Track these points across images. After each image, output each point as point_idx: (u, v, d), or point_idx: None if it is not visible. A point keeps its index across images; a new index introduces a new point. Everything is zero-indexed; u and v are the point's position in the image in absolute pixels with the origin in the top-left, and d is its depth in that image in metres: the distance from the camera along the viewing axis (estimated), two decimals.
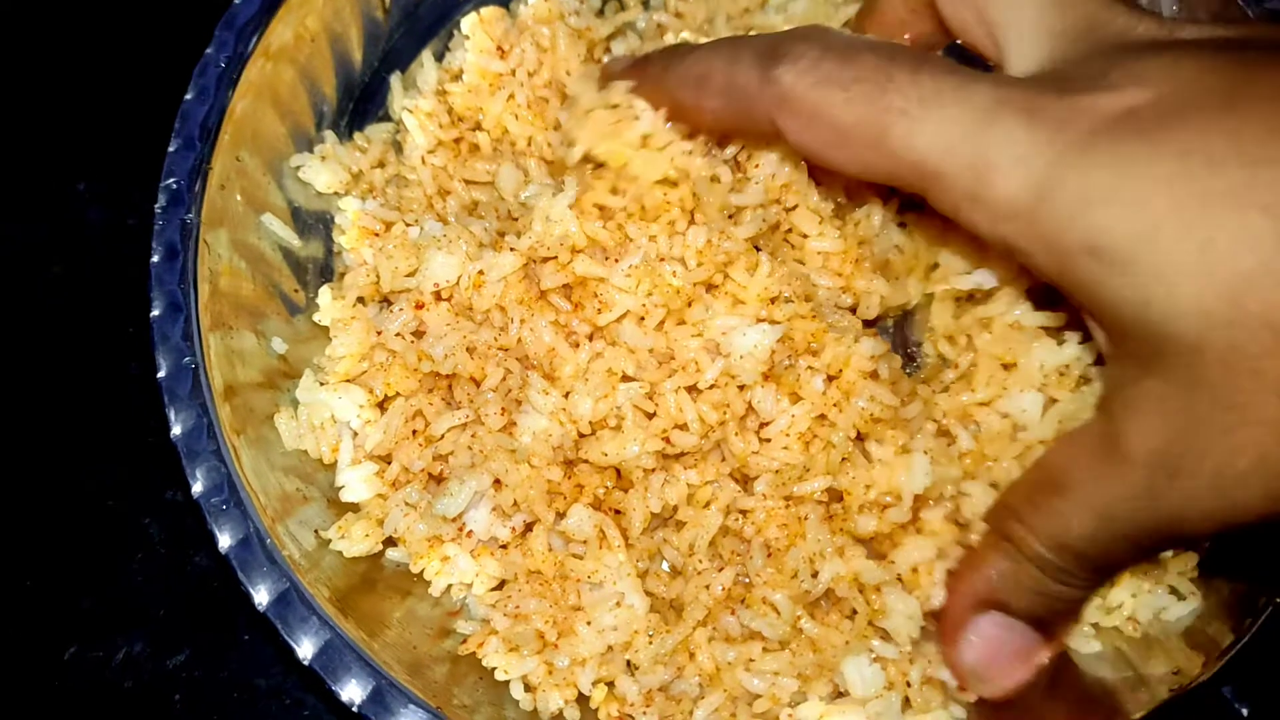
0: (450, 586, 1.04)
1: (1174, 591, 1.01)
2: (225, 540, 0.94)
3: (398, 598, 1.02)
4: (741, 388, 0.99)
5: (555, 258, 1.03)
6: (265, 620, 0.92)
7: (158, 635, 1.10)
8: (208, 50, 1.11)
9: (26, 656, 1.10)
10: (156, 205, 1.05)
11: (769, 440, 1.00)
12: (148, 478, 1.17)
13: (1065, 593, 0.86)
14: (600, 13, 1.31)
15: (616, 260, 1.00)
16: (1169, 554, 1.01)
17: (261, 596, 0.93)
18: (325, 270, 1.19)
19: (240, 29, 1.12)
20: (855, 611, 0.98)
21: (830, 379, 0.99)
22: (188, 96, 1.10)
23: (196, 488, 0.96)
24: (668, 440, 0.99)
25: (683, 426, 0.99)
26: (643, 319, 1.00)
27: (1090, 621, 1.02)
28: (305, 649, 0.91)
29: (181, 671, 1.09)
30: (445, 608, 1.04)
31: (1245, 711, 0.88)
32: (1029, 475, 0.92)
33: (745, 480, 1.02)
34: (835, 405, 0.98)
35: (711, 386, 0.99)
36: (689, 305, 1.00)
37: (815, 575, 0.97)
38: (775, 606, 0.96)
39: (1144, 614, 1.01)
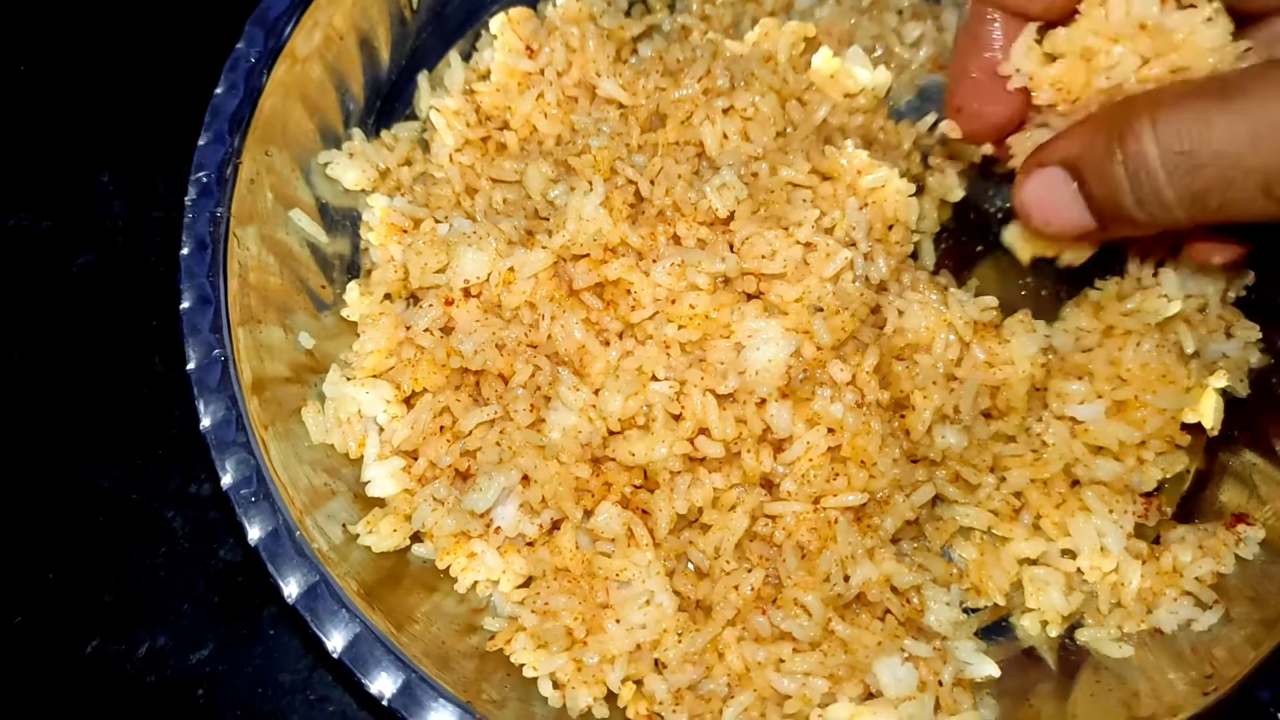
0: (476, 583, 1.04)
1: (1198, 602, 1.01)
2: (255, 532, 0.94)
3: (423, 593, 1.02)
4: (761, 402, 0.99)
5: (588, 256, 1.03)
6: (289, 616, 0.92)
7: (181, 630, 1.10)
8: (238, 45, 1.12)
9: (49, 650, 1.10)
10: (186, 198, 1.05)
11: (790, 465, 1.00)
12: (171, 471, 1.17)
13: (1126, 209, 0.92)
14: (627, 14, 1.31)
15: (654, 260, 1.00)
16: (1186, 559, 1.02)
17: (291, 589, 0.92)
18: (352, 267, 1.19)
19: (271, 24, 1.12)
20: (887, 612, 0.97)
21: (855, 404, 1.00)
22: (218, 90, 1.10)
23: (226, 479, 0.96)
24: (693, 445, 0.99)
25: (707, 431, 0.99)
26: (675, 324, 1.00)
27: (1119, 627, 1.03)
28: (335, 641, 0.91)
29: (205, 666, 1.08)
30: (471, 604, 1.04)
31: None
32: (1184, 86, 0.93)
33: (771, 485, 1.02)
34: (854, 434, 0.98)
35: (731, 397, 0.99)
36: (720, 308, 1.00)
37: (847, 579, 0.96)
38: (806, 608, 0.95)
39: (1169, 624, 1.01)
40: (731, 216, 1.05)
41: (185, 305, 1.02)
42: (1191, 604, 1.02)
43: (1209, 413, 1.08)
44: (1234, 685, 0.91)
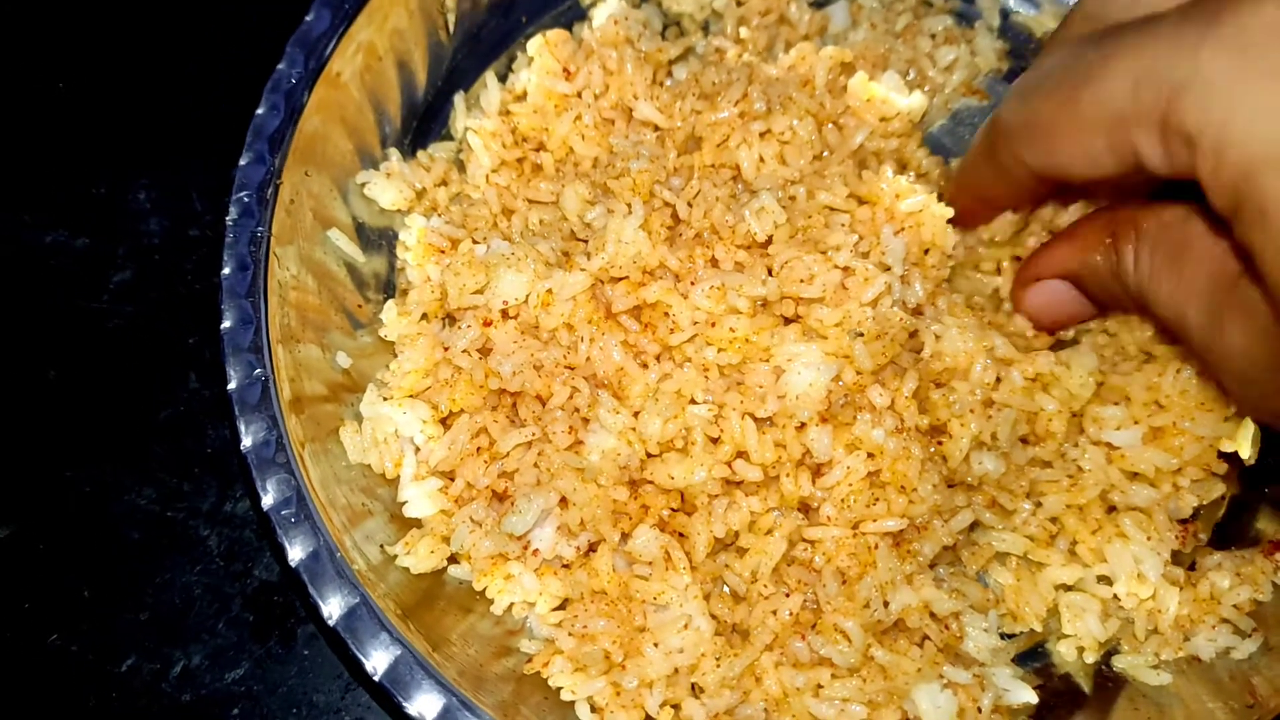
0: (512, 605, 1.04)
1: (1236, 630, 1.01)
2: (296, 553, 0.94)
3: (459, 614, 1.02)
4: (800, 426, 0.99)
5: (626, 278, 1.03)
6: (323, 636, 0.92)
7: (216, 648, 1.10)
8: (279, 66, 1.12)
9: (84, 668, 1.10)
10: (228, 218, 1.06)
11: (829, 489, 1.00)
12: (206, 489, 1.17)
13: (1127, 302, 1.00)
14: (662, 36, 1.32)
15: (692, 283, 1.01)
16: (1224, 586, 1.01)
17: (332, 609, 0.92)
18: (387, 286, 1.19)
19: (312, 45, 1.13)
20: (925, 638, 0.97)
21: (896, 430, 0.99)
22: (259, 111, 1.11)
23: (267, 500, 0.96)
24: (731, 468, 0.99)
25: (745, 455, 0.99)
26: (714, 347, 1.01)
27: (1156, 654, 1.02)
28: (376, 663, 0.91)
29: (239, 686, 1.08)
30: (506, 626, 1.04)
31: None
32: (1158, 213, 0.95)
33: (809, 509, 1.02)
34: (894, 459, 0.98)
35: (770, 420, 0.99)
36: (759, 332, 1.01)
37: (886, 604, 0.96)
38: (846, 634, 0.95)
39: (1207, 652, 1.01)
40: (769, 240, 1.06)
41: (226, 325, 1.02)
42: (1230, 632, 1.01)
43: (1246, 442, 1.07)
44: (1276, 716, 0.91)
